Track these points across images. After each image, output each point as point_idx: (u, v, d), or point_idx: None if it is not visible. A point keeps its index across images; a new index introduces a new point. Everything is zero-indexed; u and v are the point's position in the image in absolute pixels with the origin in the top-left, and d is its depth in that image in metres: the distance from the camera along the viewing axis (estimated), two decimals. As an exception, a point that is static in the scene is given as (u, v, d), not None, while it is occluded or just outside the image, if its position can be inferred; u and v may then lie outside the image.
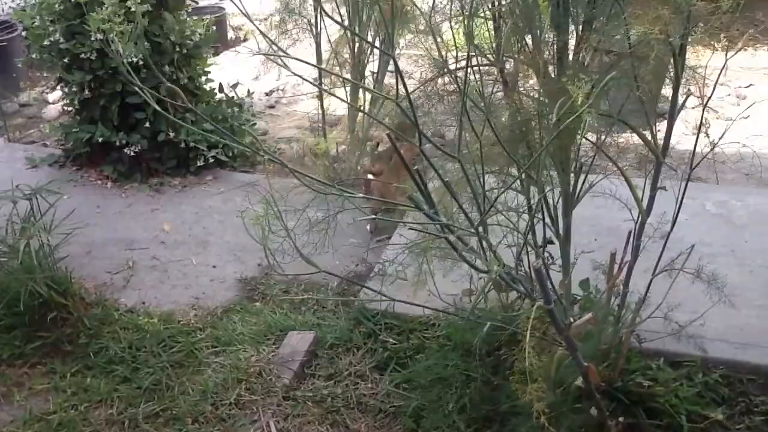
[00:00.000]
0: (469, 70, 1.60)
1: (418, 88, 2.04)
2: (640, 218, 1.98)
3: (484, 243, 1.51)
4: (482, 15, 1.95)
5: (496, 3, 1.94)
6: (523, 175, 2.09)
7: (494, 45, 1.80)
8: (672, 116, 1.81)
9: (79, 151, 4.22)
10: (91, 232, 3.70)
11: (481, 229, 1.55)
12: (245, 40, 7.06)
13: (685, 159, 2.08)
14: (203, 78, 4.39)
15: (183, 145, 4.15)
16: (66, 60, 3.91)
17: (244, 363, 2.62)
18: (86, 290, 3.24)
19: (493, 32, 1.94)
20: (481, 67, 1.89)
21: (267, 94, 5.65)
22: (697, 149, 1.87)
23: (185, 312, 3.12)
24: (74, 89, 3.98)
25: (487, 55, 1.80)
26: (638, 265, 2.11)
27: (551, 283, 1.85)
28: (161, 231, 3.77)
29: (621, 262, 2.04)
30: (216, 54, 6.11)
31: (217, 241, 3.65)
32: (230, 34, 7.15)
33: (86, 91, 3.96)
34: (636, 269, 2.11)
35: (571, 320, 1.48)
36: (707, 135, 1.82)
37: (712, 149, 1.87)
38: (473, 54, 1.80)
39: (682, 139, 2.51)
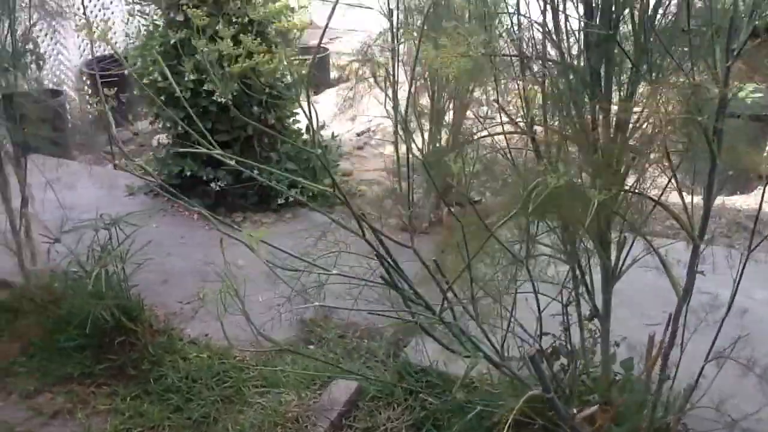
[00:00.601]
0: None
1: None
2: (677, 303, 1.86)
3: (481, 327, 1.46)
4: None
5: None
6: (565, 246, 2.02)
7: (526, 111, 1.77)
8: (709, 194, 1.69)
9: (171, 182, 4.46)
10: (172, 262, 3.90)
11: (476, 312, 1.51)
12: (347, 80, 7.28)
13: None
14: (291, 119, 4.56)
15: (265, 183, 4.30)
16: (162, 97, 4.17)
17: (284, 407, 2.66)
18: (156, 317, 3.40)
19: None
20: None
21: (358, 135, 5.77)
22: None
23: (243, 348, 3.20)
24: (168, 125, 4.24)
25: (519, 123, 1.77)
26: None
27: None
28: (236, 266, 3.90)
29: (663, 344, 1.92)
30: (317, 93, 6.34)
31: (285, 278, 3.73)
32: (333, 74, 7.39)
33: (179, 127, 4.21)
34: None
35: (574, 411, 1.40)
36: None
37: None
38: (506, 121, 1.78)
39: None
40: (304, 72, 1.58)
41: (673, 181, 1.85)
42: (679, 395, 2.07)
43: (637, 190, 1.76)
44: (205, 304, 3.55)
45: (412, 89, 3.68)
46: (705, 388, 2.02)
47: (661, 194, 1.82)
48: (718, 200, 4.33)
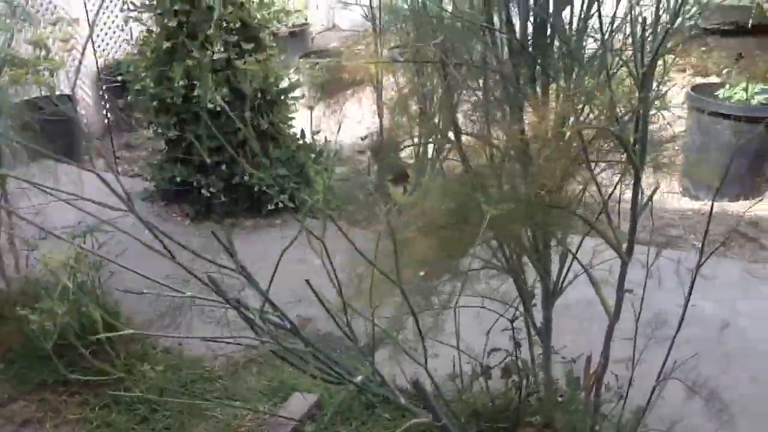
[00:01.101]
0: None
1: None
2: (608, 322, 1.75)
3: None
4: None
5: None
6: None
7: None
8: (635, 208, 1.58)
9: (165, 188, 4.48)
10: (158, 268, 3.89)
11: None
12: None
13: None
14: (286, 123, 4.52)
15: (256, 188, 4.27)
16: (155, 104, 4.18)
17: (238, 421, 2.61)
18: (133, 326, 3.39)
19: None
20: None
21: (362, 139, 5.70)
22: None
23: (214, 357, 3.17)
24: (160, 131, 4.25)
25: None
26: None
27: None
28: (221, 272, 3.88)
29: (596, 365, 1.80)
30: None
31: (278, 284, 3.70)
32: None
33: (171, 133, 4.21)
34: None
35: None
36: None
37: None
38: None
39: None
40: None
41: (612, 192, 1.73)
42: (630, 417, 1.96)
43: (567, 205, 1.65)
44: (185, 312, 3.54)
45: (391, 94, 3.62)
46: (659, 408, 1.90)
47: (599, 214, 1.71)
48: (715, 206, 4.15)
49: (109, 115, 6.40)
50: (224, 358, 3.17)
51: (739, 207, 4.07)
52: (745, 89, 4.05)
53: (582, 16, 1.59)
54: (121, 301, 3.35)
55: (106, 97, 5.70)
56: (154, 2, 4.13)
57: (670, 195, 4.30)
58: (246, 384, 2.88)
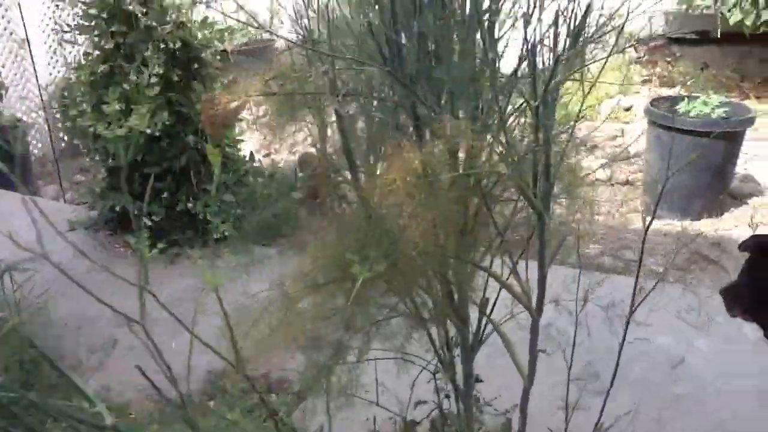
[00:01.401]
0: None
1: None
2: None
3: None
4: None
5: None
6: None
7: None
8: (543, 259, 1.40)
9: (108, 217, 4.27)
10: (93, 305, 3.69)
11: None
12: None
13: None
14: (234, 147, 4.33)
15: (201, 216, 4.08)
16: (92, 130, 3.98)
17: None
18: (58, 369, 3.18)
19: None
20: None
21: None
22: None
23: (143, 404, 2.97)
24: (97, 158, 4.05)
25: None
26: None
27: None
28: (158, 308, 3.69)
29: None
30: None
31: (206, 322, 3.50)
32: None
33: (110, 160, 4.01)
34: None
35: None
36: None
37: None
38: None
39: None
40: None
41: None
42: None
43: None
44: (110, 354, 3.35)
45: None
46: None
47: (513, 267, 1.52)
48: (677, 225, 3.98)
49: (64, 137, 6.20)
50: (152, 404, 2.96)
51: (701, 226, 3.92)
52: (705, 103, 3.90)
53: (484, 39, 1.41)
54: (45, 339, 3.16)
55: (60, 118, 5.49)
56: (93, 23, 3.95)
57: (632, 214, 4.14)
58: (169, 435, 2.67)
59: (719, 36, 5.64)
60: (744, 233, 3.77)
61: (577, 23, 1.14)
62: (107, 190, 4.18)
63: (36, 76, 4.89)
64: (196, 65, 4.08)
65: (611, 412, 1.74)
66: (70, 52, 4.65)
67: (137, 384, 3.11)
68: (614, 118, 5.35)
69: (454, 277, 1.54)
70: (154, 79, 3.70)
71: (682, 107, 3.98)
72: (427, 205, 1.10)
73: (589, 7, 1.11)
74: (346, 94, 1.49)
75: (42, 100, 4.97)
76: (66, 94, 4.09)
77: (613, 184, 4.51)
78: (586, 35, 1.14)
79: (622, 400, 2.43)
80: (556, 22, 1.17)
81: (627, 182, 4.60)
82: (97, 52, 4.00)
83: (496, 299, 1.73)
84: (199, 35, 4.10)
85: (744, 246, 1.54)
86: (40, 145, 6.48)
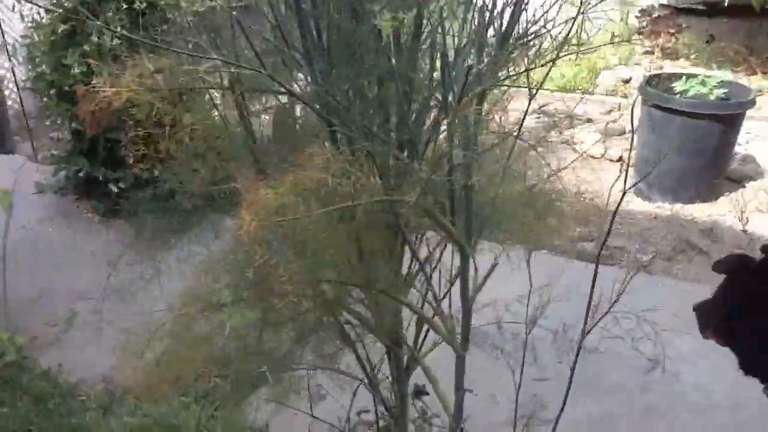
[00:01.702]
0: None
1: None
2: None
3: None
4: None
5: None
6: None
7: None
8: (465, 291, 1.22)
9: (75, 181, 4.09)
10: (53, 274, 3.54)
11: None
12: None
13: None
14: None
15: (168, 185, 3.90)
16: (52, 91, 3.78)
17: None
18: (12, 343, 3.05)
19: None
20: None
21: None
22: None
23: (94, 384, 2.84)
24: (58, 121, 3.86)
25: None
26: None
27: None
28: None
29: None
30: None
31: (168, 299, 3.36)
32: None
33: (73, 124, 3.82)
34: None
35: None
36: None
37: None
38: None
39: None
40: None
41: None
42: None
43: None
44: (70, 328, 3.21)
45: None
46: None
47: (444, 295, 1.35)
48: (668, 209, 3.78)
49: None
50: (104, 385, 2.83)
51: (694, 211, 3.71)
52: (703, 82, 3.67)
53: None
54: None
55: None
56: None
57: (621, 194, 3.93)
58: (117, 423, 2.54)
59: (728, 7, 5.36)
60: (737, 222, 3.58)
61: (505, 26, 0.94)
62: (73, 153, 3.99)
63: (1, 32, 4.66)
64: (165, 27, 3.85)
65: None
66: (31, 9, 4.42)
67: (88, 362, 3.00)
68: (612, 91, 5.11)
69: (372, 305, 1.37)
70: (116, 42, 3.48)
71: (678, 86, 3.74)
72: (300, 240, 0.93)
73: (517, 6, 0.91)
74: (248, 90, 1.30)
75: (8, 55, 4.76)
76: (30, 50, 3.86)
77: (610, 160, 4.30)
78: (515, 38, 0.94)
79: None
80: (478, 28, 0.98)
81: (620, 159, 4.39)
82: (58, 10, 3.78)
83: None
84: (168, -5, 3.86)
85: (719, 267, 1.37)
86: (19, 101, 6.27)
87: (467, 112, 0.94)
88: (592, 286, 1.43)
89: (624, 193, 1.68)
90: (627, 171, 1.50)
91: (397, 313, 1.42)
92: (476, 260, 1.34)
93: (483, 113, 1.14)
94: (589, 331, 1.47)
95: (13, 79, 5.83)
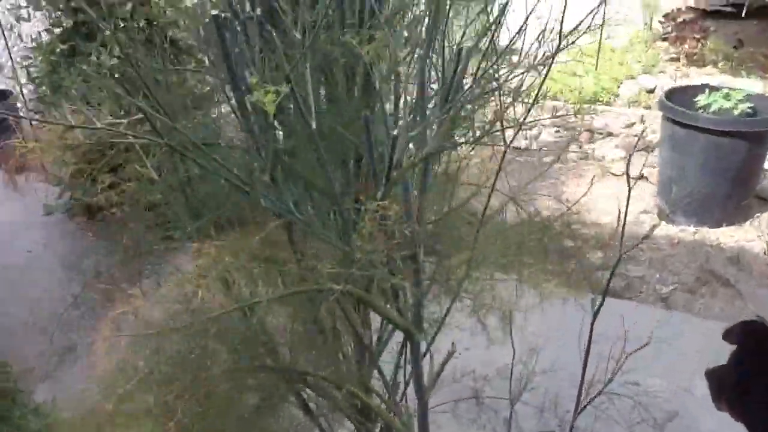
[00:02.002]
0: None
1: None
2: None
3: None
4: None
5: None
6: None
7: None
8: (417, 360, 1.09)
9: (81, 203, 4.04)
10: (58, 301, 3.48)
11: None
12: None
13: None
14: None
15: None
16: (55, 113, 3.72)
17: None
18: (7, 374, 2.99)
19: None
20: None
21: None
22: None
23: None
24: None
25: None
26: None
27: None
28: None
29: None
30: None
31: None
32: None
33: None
34: None
35: None
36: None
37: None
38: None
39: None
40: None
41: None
42: None
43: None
44: (70, 357, 3.13)
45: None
46: None
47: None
48: (692, 233, 3.56)
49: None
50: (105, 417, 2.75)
51: (720, 235, 3.49)
52: (727, 96, 3.46)
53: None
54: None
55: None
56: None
57: (644, 215, 3.73)
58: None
59: (758, 9, 5.11)
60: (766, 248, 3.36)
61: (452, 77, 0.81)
62: (75, 176, 3.93)
63: (8, 48, 4.64)
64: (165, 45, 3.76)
65: None
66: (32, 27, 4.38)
67: (85, 394, 2.91)
68: (634, 102, 4.89)
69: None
70: (115, 61, 3.41)
71: (701, 100, 3.54)
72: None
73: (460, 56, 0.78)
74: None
75: (16, 75, 4.74)
76: (29, 73, 3.82)
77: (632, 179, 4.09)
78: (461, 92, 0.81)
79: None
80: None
81: (642, 177, 4.19)
82: (57, 30, 3.73)
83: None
84: (168, 12, 3.78)
85: (729, 337, 1.23)
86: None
87: (402, 180, 0.81)
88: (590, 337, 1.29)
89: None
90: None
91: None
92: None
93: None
94: (584, 407, 1.34)
95: (22, 98, 5.83)
